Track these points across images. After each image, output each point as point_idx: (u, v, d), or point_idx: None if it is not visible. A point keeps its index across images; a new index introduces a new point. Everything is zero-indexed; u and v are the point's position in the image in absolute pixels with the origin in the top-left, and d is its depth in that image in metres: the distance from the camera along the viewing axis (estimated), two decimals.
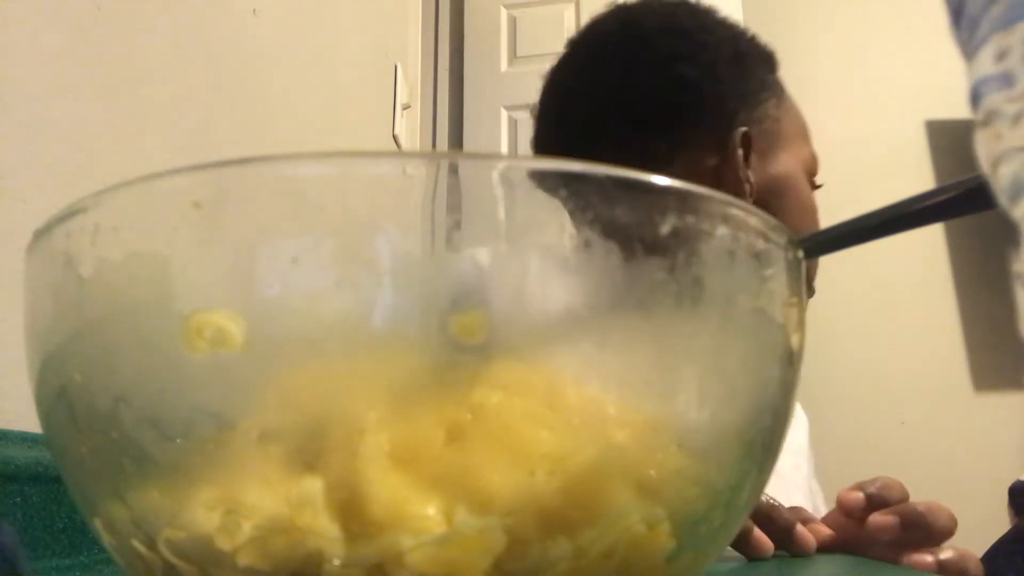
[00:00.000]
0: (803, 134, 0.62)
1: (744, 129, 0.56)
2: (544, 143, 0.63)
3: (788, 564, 0.47)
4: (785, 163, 0.58)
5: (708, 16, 0.61)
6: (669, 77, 0.57)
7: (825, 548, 0.48)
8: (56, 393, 0.18)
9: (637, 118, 0.58)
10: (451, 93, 1.72)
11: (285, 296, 0.16)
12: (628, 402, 0.17)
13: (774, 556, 0.48)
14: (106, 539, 0.18)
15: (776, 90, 0.61)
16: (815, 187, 0.62)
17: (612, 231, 0.16)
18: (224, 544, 0.16)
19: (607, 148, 0.58)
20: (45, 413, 0.19)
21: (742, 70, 0.59)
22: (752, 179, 0.56)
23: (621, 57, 0.59)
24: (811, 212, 0.60)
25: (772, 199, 0.56)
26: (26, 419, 0.40)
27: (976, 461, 1.72)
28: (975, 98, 0.16)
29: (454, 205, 0.16)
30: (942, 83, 1.89)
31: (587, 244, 0.16)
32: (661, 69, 0.58)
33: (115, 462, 0.17)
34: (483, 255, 0.16)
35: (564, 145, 0.60)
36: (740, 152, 0.56)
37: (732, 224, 0.18)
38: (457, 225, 0.16)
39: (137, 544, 0.17)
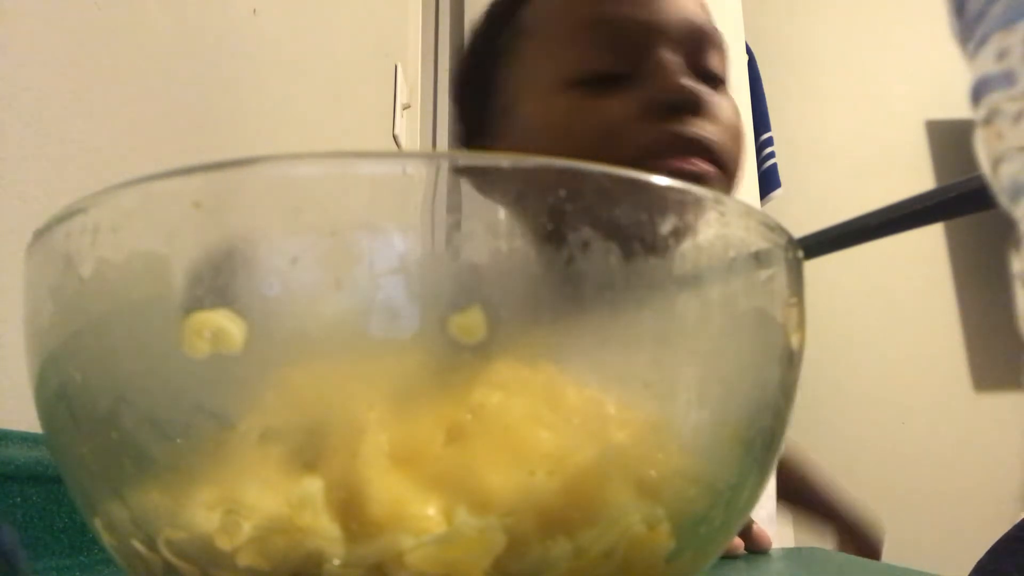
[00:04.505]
0: (554, 50, 0.46)
1: (475, 142, 0.50)
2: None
3: (766, 562, 0.47)
4: (529, 116, 0.47)
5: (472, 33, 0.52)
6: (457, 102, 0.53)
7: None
8: (56, 393, 0.18)
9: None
10: (452, 93, 1.71)
11: (285, 296, 0.16)
12: (628, 402, 0.17)
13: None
14: (106, 539, 0.18)
15: (509, 47, 0.48)
16: (602, 78, 0.45)
17: (610, 231, 0.16)
18: (224, 544, 0.16)
19: None
20: (45, 413, 0.19)
21: (476, 75, 0.51)
22: None
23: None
24: (565, 124, 0.45)
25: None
26: (26, 419, 0.40)
27: (976, 461, 1.72)
28: (976, 97, 0.16)
29: (454, 205, 0.16)
30: (942, 83, 1.90)
31: (585, 244, 0.16)
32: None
33: (115, 462, 0.17)
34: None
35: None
36: None
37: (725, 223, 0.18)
38: (457, 225, 0.16)
39: (137, 544, 0.17)
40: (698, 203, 0.17)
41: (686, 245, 0.17)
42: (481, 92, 0.50)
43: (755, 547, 0.58)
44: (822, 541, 0.78)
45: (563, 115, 0.45)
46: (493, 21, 0.51)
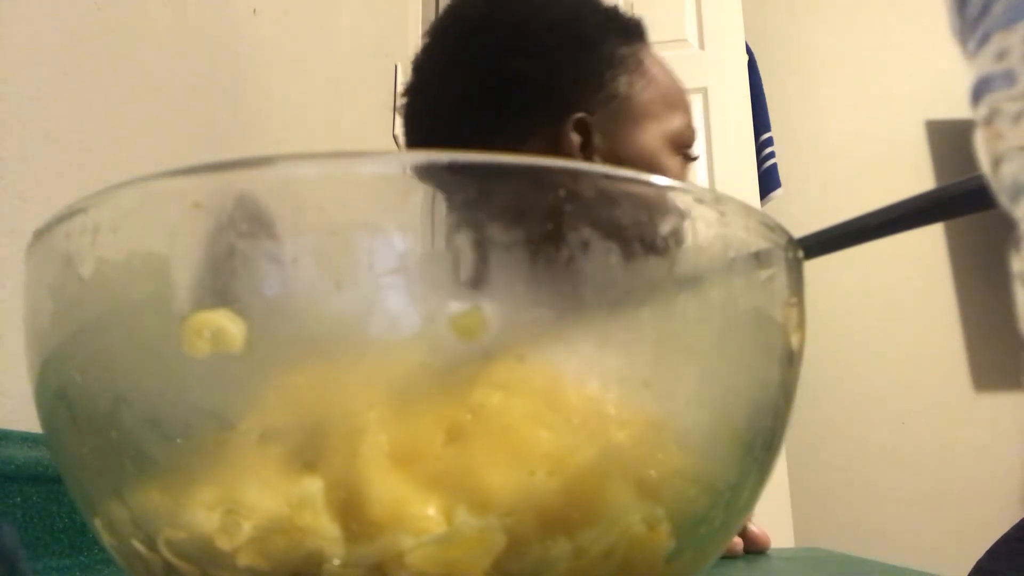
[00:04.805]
0: (669, 106, 0.58)
1: (579, 115, 0.54)
2: (412, 144, 0.60)
3: (766, 561, 0.47)
4: (639, 140, 0.56)
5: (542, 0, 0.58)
6: (494, 73, 0.55)
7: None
8: (56, 393, 0.18)
9: (472, 118, 0.55)
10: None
11: (285, 296, 0.16)
12: (628, 402, 0.17)
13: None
14: (106, 539, 0.18)
15: (629, 64, 0.57)
16: (689, 159, 0.59)
17: (610, 231, 0.16)
18: (224, 544, 0.16)
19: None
20: (45, 413, 0.19)
21: (581, 53, 0.56)
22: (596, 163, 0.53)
23: (451, 54, 0.58)
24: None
25: None
26: (26, 419, 0.40)
27: (976, 461, 1.72)
28: (976, 97, 0.16)
29: (454, 205, 0.16)
30: (942, 83, 1.89)
31: (585, 244, 0.16)
32: (485, 65, 0.55)
33: (115, 462, 0.17)
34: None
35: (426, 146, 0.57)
36: (575, 139, 0.54)
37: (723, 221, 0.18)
38: (457, 225, 0.16)
39: (137, 544, 0.17)
40: (698, 202, 0.17)
41: (686, 245, 0.17)
42: (584, 63, 0.55)
43: (753, 547, 0.58)
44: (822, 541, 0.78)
45: (672, 174, 0.54)
46: (602, 22, 0.58)
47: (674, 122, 0.57)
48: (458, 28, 0.58)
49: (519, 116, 0.54)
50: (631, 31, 0.59)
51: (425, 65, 0.59)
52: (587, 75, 0.55)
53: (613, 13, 0.59)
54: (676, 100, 0.59)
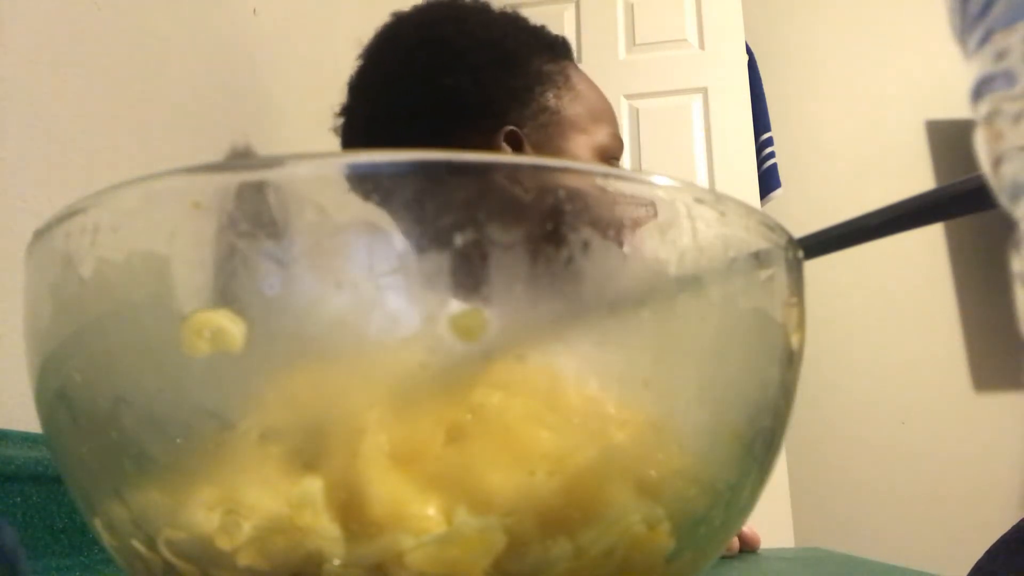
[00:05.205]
0: (595, 119, 0.61)
1: (510, 128, 0.57)
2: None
3: (765, 562, 0.47)
4: (568, 151, 0.59)
5: (472, 19, 0.61)
6: (430, 89, 0.58)
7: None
8: (56, 393, 0.18)
9: (408, 134, 0.58)
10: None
11: (285, 296, 0.16)
12: (628, 402, 0.17)
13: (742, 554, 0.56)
14: (106, 539, 0.18)
15: (557, 80, 0.61)
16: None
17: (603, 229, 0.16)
18: (224, 544, 0.16)
19: None
20: (45, 413, 0.19)
21: (510, 69, 0.59)
22: None
23: (384, 73, 0.60)
24: None
25: None
26: (26, 419, 0.40)
27: (976, 461, 1.72)
28: (976, 96, 0.16)
29: (454, 204, 0.16)
30: (942, 83, 1.89)
31: (585, 244, 0.16)
32: (421, 82, 0.58)
33: (115, 462, 0.17)
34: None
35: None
36: (507, 149, 0.57)
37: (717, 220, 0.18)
38: (457, 225, 0.16)
39: (137, 544, 0.17)
40: (698, 202, 0.17)
41: (686, 245, 0.17)
42: (513, 79, 0.58)
43: (746, 547, 0.58)
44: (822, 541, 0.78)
45: None
46: (529, 40, 0.61)
47: (600, 133, 0.61)
48: (393, 48, 0.61)
49: (454, 130, 0.57)
50: (557, 49, 0.62)
51: (360, 85, 0.61)
52: (516, 90, 0.59)
53: (540, 32, 0.63)
54: (602, 113, 0.62)
